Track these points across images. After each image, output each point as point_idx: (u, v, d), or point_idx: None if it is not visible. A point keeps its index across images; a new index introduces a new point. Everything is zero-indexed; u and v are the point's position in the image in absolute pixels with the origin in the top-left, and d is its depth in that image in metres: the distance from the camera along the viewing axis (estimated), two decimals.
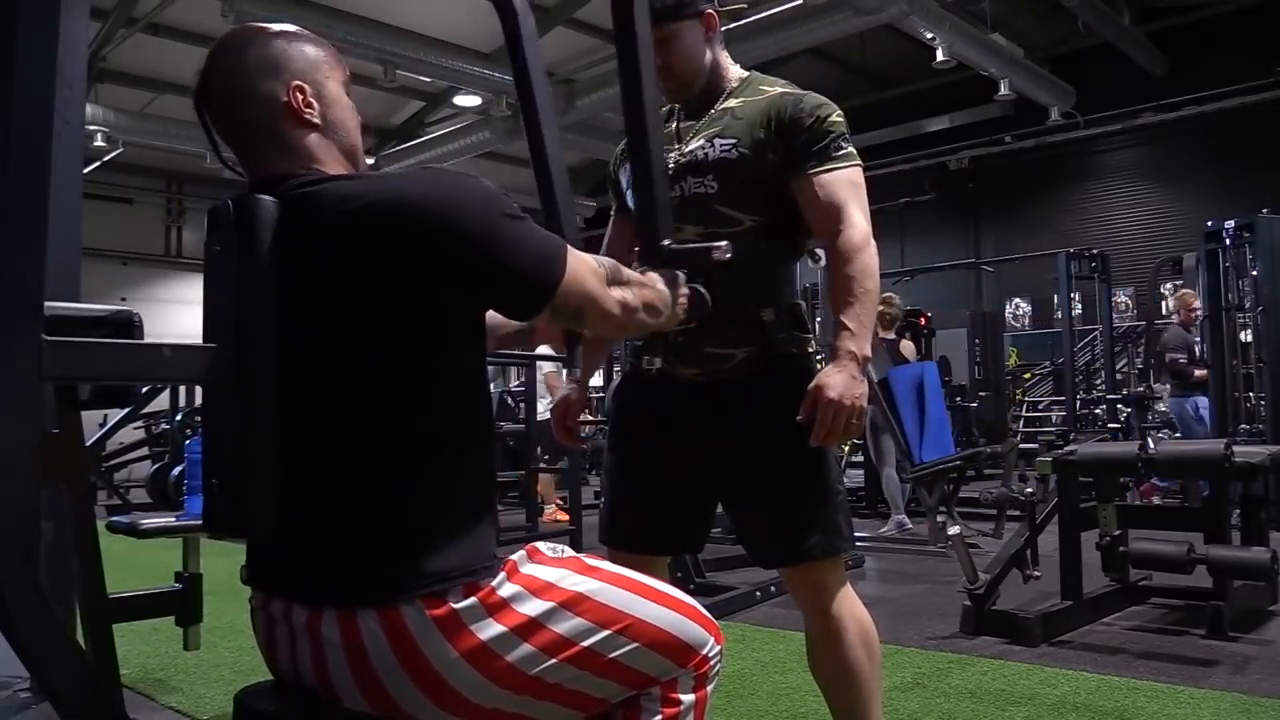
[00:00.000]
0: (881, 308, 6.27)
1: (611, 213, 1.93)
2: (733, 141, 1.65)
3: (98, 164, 10.92)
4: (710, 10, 1.70)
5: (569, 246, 1.14)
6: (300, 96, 1.14)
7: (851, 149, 1.65)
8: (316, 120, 1.15)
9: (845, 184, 1.62)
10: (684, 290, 1.36)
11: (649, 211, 1.40)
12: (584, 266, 1.15)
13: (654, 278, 1.31)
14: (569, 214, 1.32)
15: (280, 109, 1.13)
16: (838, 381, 1.52)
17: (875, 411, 5.55)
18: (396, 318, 1.04)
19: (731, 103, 1.71)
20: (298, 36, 1.19)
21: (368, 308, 1.04)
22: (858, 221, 1.60)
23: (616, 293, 1.20)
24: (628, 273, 1.24)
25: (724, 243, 1.35)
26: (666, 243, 1.38)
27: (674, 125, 1.76)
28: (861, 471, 8.05)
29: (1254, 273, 6.53)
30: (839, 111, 1.67)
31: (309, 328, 1.06)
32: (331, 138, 1.17)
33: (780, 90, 1.70)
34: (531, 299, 1.11)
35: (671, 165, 1.70)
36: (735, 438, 1.65)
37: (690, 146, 1.70)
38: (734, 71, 1.77)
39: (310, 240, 1.05)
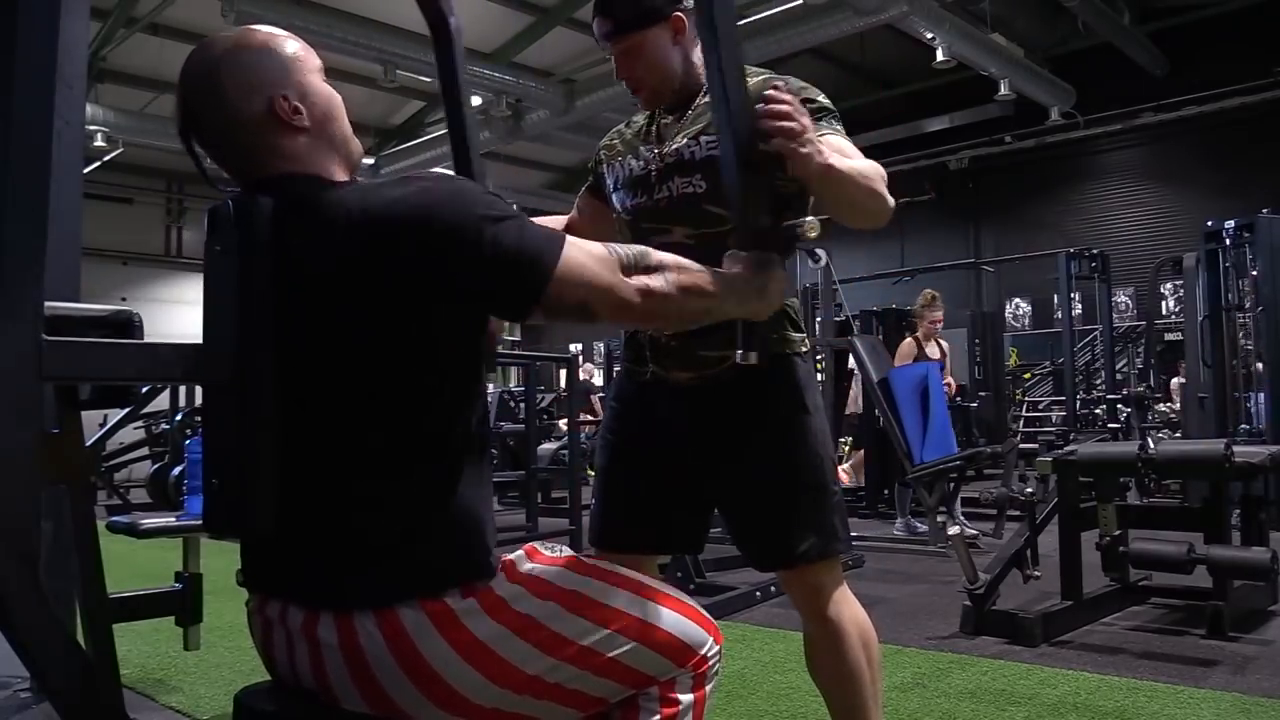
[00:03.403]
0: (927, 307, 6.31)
1: (582, 189, 1.89)
2: (718, 138, 1.63)
3: (98, 164, 10.94)
4: (678, 12, 1.66)
5: (569, 239, 1.11)
6: (285, 105, 1.12)
7: (842, 128, 1.62)
8: (306, 124, 1.14)
9: (852, 149, 1.57)
10: (780, 274, 1.29)
11: (743, 194, 1.34)
12: (584, 256, 1.10)
13: (737, 262, 1.28)
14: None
15: (269, 124, 1.12)
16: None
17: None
18: (389, 324, 1.04)
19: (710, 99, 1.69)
20: (265, 38, 1.16)
21: (360, 315, 1.04)
22: (872, 162, 1.56)
23: (638, 280, 1.12)
24: (661, 257, 1.17)
25: (810, 219, 1.30)
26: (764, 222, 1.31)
27: (654, 124, 1.73)
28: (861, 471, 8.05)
29: (1254, 273, 6.54)
30: (824, 95, 1.65)
31: (305, 331, 1.06)
32: (323, 137, 1.16)
33: (762, 78, 1.68)
34: (517, 299, 1.08)
35: (656, 166, 1.68)
36: (729, 439, 1.64)
37: (675, 145, 1.67)
38: None
39: (304, 247, 1.05)
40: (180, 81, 1.14)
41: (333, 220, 1.05)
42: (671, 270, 1.16)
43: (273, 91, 1.12)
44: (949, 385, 6.25)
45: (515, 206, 1.11)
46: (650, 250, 1.17)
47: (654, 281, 1.14)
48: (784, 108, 1.36)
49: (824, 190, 1.50)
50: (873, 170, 1.54)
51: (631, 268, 1.13)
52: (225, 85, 1.11)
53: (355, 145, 1.21)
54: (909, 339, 6.47)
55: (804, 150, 1.37)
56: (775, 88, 1.44)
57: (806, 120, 1.39)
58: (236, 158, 1.14)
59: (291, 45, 1.18)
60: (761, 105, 1.38)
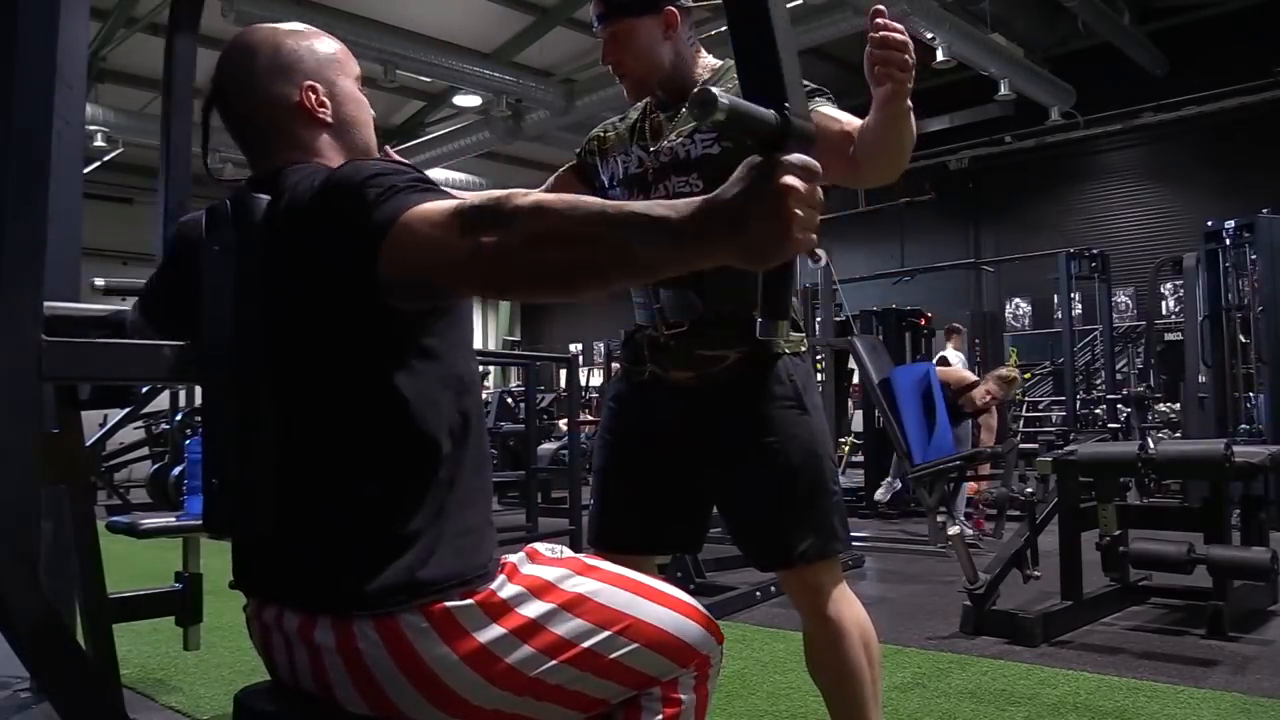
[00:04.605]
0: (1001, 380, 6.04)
1: (564, 167, 1.88)
2: (714, 135, 1.62)
3: (98, 164, 10.92)
4: (671, 7, 1.66)
5: (417, 207, 0.93)
6: (313, 96, 1.15)
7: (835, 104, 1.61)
8: (329, 119, 1.16)
9: (846, 115, 1.58)
10: (790, 184, 0.82)
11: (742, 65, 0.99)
12: (421, 223, 0.92)
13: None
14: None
15: (293, 109, 1.14)
16: None
17: None
18: (361, 319, 1.02)
19: None
20: (308, 35, 1.20)
21: (339, 312, 1.02)
22: None
23: (471, 239, 0.88)
24: (521, 202, 0.89)
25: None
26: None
27: (647, 122, 1.73)
28: (861, 471, 8.06)
29: (1254, 277, 6.54)
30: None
31: (300, 329, 1.06)
32: (343, 137, 1.18)
33: None
34: (360, 285, 0.97)
35: (651, 165, 1.68)
36: (727, 440, 1.64)
37: (668, 143, 1.67)
38: (707, 62, 1.74)
39: (278, 238, 1.05)
40: (220, 57, 1.17)
41: (286, 211, 1.05)
42: (526, 218, 0.88)
43: (303, 79, 1.15)
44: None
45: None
46: (513, 195, 0.91)
47: (491, 237, 0.88)
48: (901, 37, 1.35)
49: (897, 127, 1.47)
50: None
51: (474, 224, 0.90)
52: (260, 63, 1.14)
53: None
54: (970, 376, 6.14)
55: (906, 79, 1.37)
56: (879, 12, 1.40)
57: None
58: (254, 136, 1.16)
59: (334, 45, 1.21)
60: (882, 23, 1.36)
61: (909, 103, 1.44)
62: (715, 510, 1.77)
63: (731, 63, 1.74)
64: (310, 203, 1.02)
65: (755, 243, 0.84)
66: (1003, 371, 6.20)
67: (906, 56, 1.35)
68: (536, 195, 0.90)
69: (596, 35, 1.71)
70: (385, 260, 0.93)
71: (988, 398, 6.01)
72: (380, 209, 0.94)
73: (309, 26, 1.22)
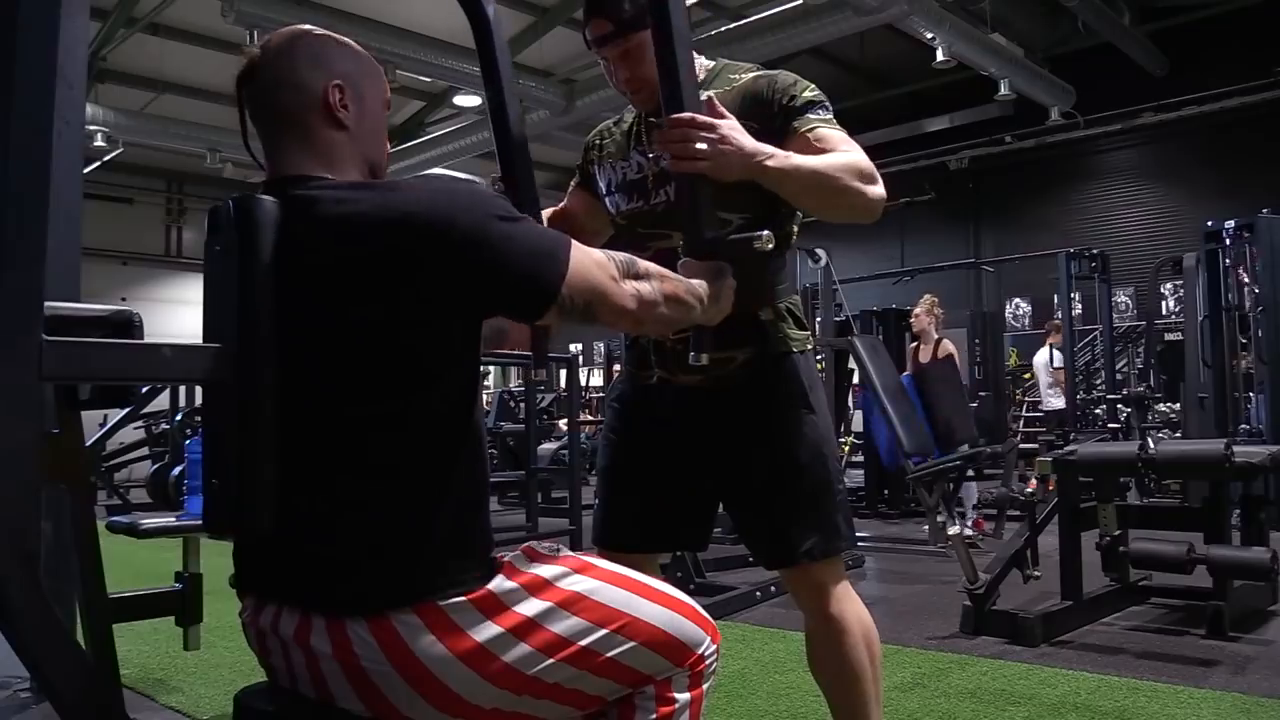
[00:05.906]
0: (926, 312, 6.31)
1: (572, 184, 1.87)
2: None
3: (98, 164, 10.93)
4: None
5: (573, 242, 1.13)
6: (338, 95, 1.15)
7: (833, 117, 1.59)
8: (348, 123, 1.16)
9: (841, 139, 1.56)
10: (731, 282, 1.38)
11: (693, 206, 1.43)
12: (589, 261, 1.14)
13: (693, 271, 1.35)
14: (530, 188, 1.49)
15: (315, 102, 1.14)
16: (739, 129, 1.43)
17: None
18: (395, 326, 1.04)
19: (702, 96, 1.69)
20: (355, 48, 1.22)
21: (366, 317, 1.04)
22: (863, 156, 1.53)
23: (631, 286, 1.17)
24: (646, 265, 1.22)
25: (765, 231, 1.37)
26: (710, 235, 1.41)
27: (643, 127, 1.71)
28: (861, 471, 8.06)
29: (1248, 278, 6.53)
30: (814, 87, 1.63)
31: (307, 331, 1.06)
32: (358, 144, 1.18)
33: (753, 75, 1.66)
34: (535, 299, 1.10)
35: (651, 171, 1.67)
36: (733, 439, 1.64)
37: None
38: (700, 63, 1.71)
39: (310, 247, 1.05)
40: (266, 39, 1.20)
41: (342, 221, 1.05)
42: (656, 279, 1.22)
43: (334, 78, 1.16)
44: None
45: None
46: (635, 258, 1.22)
47: (644, 288, 1.19)
48: (673, 132, 1.41)
49: (774, 187, 1.50)
50: (844, 166, 1.50)
51: (625, 274, 1.18)
52: (300, 49, 1.16)
53: (383, 177, 1.23)
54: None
55: (714, 152, 1.40)
56: (709, 100, 1.46)
57: (714, 122, 1.41)
58: (271, 121, 1.16)
59: (377, 67, 1.23)
60: (659, 142, 1.45)
61: (771, 162, 1.45)
62: (720, 508, 1.77)
63: (724, 63, 1.74)
64: (420, 227, 1.03)
65: (720, 313, 1.38)
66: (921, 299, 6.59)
67: (686, 144, 1.40)
68: (651, 264, 1.24)
69: (599, 55, 1.67)
70: (570, 285, 1.10)
71: (919, 319, 6.40)
72: (545, 239, 1.11)
73: (359, 46, 1.24)
